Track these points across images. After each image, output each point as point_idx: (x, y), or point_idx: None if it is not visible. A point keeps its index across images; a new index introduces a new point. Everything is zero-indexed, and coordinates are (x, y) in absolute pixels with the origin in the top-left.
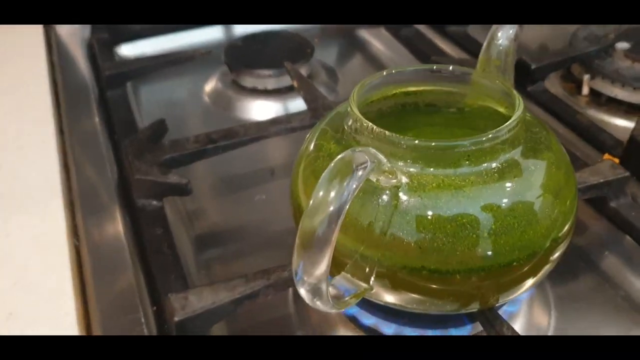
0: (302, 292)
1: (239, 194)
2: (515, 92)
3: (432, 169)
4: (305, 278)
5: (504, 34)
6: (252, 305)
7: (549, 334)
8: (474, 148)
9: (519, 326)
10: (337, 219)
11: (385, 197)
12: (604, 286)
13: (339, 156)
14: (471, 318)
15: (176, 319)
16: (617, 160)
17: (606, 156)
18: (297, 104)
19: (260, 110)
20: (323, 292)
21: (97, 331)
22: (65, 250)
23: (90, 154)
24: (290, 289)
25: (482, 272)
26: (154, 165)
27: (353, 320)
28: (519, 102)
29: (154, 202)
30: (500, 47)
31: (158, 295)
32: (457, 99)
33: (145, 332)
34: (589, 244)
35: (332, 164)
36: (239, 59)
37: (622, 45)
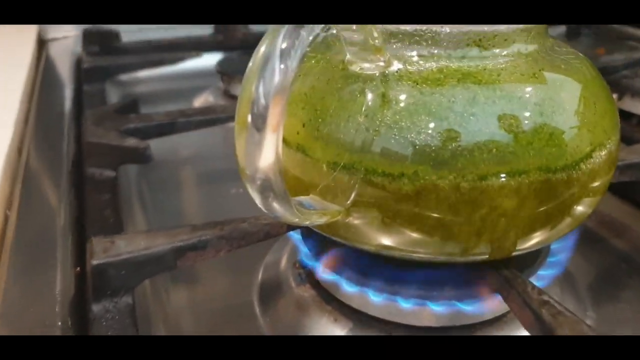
0: (251, 191)
1: (215, 187)
2: None
3: (435, 51)
4: (248, 172)
5: None
6: (197, 258)
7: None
8: (490, 30)
9: None
10: (282, 81)
11: (371, 89)
12: None
13: None
14: (484, 284)
15: (94, 262)
16: None
17: None
18: None
19: None
20: (276, 189)
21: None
22: None
23: (51, 137)
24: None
25: (495, 190)
26: (112, 131)
27: (334, 288)
28: None
29: (107, 172)
30: None
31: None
32: None
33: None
34: (632, 245)
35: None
36: (230, 68)
37: None
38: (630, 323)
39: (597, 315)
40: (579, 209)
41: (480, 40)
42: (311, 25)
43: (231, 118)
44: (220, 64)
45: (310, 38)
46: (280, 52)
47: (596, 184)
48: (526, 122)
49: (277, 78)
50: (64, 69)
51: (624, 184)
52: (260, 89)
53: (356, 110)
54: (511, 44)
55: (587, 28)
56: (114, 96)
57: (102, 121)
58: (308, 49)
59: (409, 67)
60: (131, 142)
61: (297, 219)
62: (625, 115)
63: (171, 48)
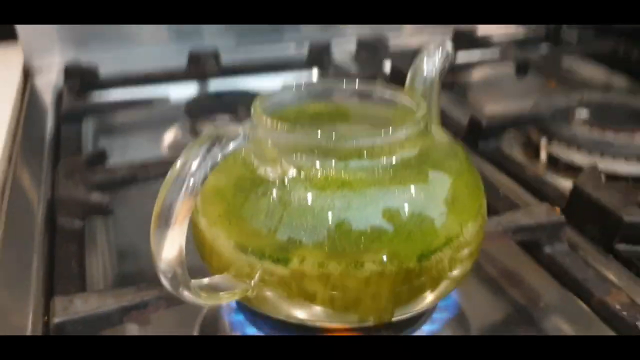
0: (162, 279)
1: None
2: (422, 101)
3: (323, 162)
4: (159, 263)
5: (430, 65)
6: (141, 316)
7: None
8: (368, 143)
9: None
10: (190, 190)
11: (270, 191)
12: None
13: (212, 128)
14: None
15: (56, 320)
16: (558, 210)
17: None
18: None
19: None
20: (180, 279)
21: None
22: None
23: (31, 179)
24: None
25: (365, 271)
26: (80, 185)
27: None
28: (422, 106)
29: (76, 222)
30: (426, 80)
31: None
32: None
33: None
34: (526, 297)
35: (203, 134)
36: (197, 110)
37: (582, 112)
38: None
39: None
40: (445, 283)
41: (360, 152)
42: (224, 142)
43: None
44: (189, 104)
45: (219, 157)
46: (189, 169)
47: (457, 266)
48: (389, 222)
49: (183, 190)
50: (47, 99)
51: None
52: (170, 198)
53: (258, 207)
54: (391, 153)
55: (534, 67)
56: (90, 130)
57: (72, 174)
58: (218, 161)
59: (301, 175)
60: (95, 197)
61: (208, 303)
62: (552, 160)
63: (146, 80)
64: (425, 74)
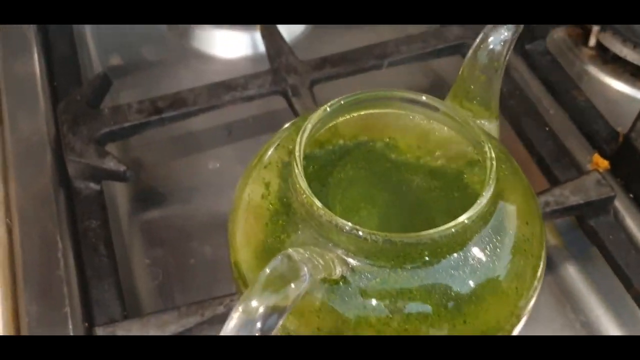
0: None
1: (192, 157)
2: (488, 150)
3: (377, 264)
4: None
5: (497, 39)
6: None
7: None
8: (428, 242)
9: None
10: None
11: (320, 290)
12: (565, 308)
13: (275, 263)
14: None
15: None
16: (606, 163)
17: (595, 158)
18: None
19: (222, 43)
20: None
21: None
22: None
23: (27, 107)
24: None
25: None
26: (90, 143)
27: None
28: (491, 173)
29: (92, 185)
30: (493, 54)
31: (90, 307)
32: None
33: None
34: (559, 255)
35: (268, 271)
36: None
37: None
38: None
39: None
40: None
41: (421, 251)
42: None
43: (202, 110)
44: None
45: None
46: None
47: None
48: (453, 323)
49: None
50: None
51: None
52: None
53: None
54: (447, 251)
55: None
56: None
57: (77, 125)
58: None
59: (354, 276)
60: (110, 164)
61: None
62: (602, 49)
63: None
64: (491, 46)
